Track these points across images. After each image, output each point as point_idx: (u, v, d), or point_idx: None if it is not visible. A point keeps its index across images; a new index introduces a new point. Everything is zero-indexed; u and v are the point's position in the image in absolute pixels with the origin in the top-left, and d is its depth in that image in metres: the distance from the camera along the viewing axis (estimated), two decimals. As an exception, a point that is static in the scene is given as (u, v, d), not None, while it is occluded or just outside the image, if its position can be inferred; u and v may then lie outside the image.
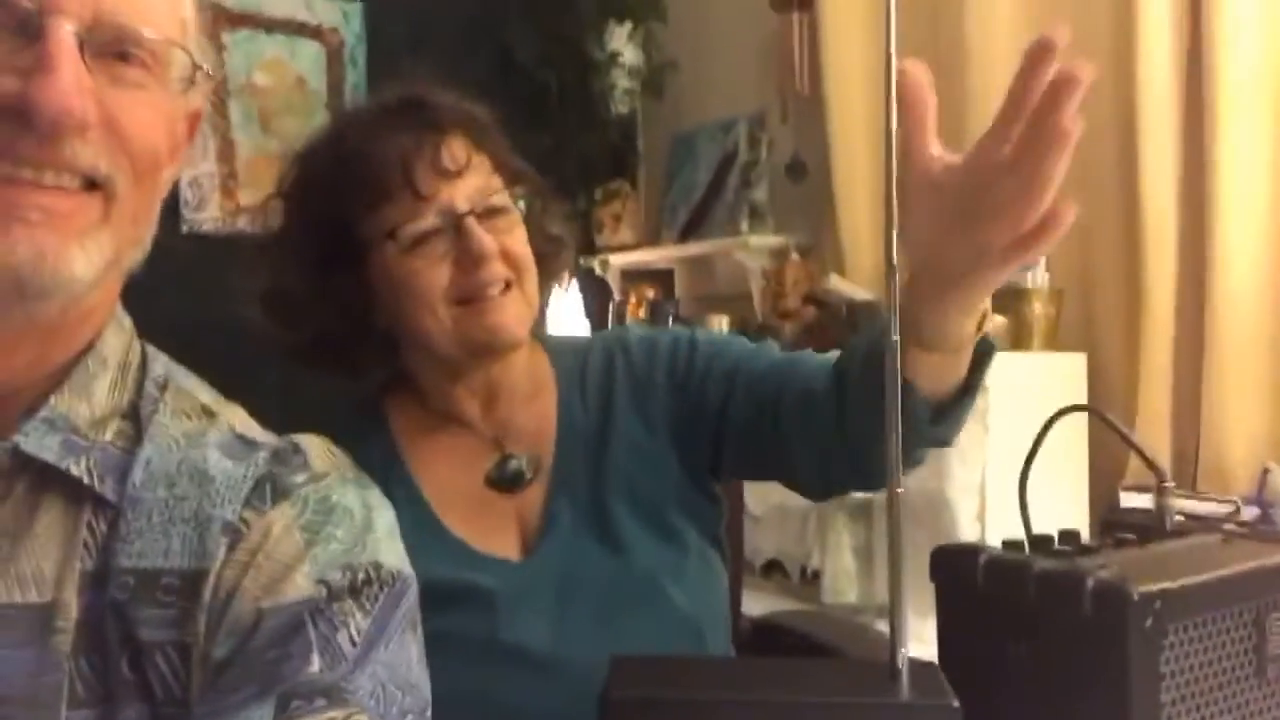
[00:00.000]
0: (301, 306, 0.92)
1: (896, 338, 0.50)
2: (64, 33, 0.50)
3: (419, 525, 0.92)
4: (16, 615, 0.52)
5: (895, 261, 0.49)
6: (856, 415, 0.82)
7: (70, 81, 0.50)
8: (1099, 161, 1.96)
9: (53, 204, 0.51)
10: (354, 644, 0.54)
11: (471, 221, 0.88)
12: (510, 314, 0.90)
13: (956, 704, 0.47)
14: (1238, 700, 0.76)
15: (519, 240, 0.93)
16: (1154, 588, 0.71)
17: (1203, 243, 1.75)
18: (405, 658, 0.57)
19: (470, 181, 0.90)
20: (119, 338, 0.60)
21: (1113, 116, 1.89)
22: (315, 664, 0.53)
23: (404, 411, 0.98)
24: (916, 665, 0.50)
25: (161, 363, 0.62)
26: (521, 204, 0.95)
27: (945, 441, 0.83)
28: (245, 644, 0.53)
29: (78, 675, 0.52)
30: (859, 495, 1.90)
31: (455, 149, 0.90)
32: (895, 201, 0.49)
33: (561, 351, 1.04)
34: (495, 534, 0.94)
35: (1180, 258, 1.81)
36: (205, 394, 0.63)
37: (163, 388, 0.60)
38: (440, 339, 0.90)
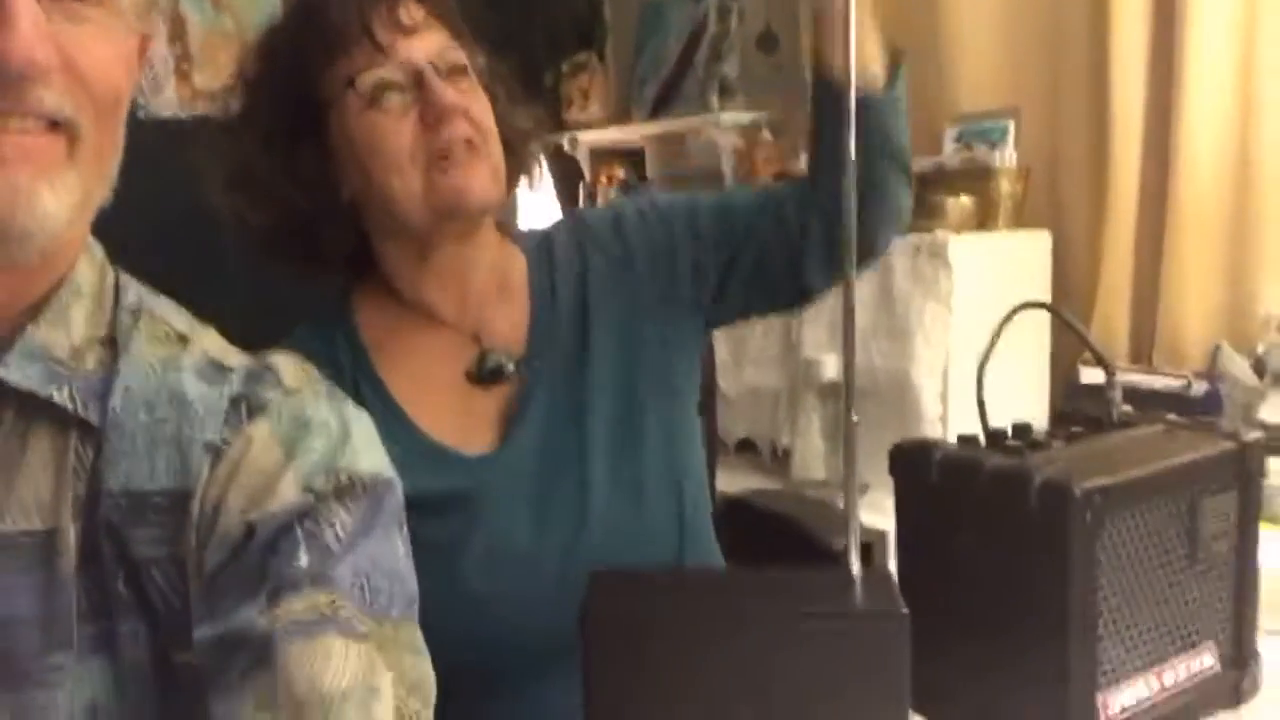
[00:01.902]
0: (266, 183, 0.92)
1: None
2: None
3: (388, 427, 0.92)
4: (24, 543, 0.55)
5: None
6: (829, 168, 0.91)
7: (30, 32, 0.49)
8: (1069, 39, 1.95)
9: (20, 143, 0.51)
10: (339, 541, 0.56)
11: (432, 75, 0.88)
12: (477, 176, 0.90)
13: (905, 611, 0.51)
14: (1171, 580, 0.82)
15: (481, 106, 0.92)
16: (1095, 484, 0.75)
17: (1169, 124, 1.75)
18: (391, 551, 0.59)
19: (429, 40, 0.90)
20: (92, 268, 0.61)
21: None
22: (303, 559, 0.55)
23: (374, 309, 0.98)
24: (871, 574, 0.54)
25: (134, 290, 0.63)
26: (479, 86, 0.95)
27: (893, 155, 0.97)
28: (237, 554, 0.55)
29: (81, 593, 0.55)
30: (829, 377, 1.95)
31: (411, 9, 0.90)
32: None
33: (529, 244, 1.04)
34: (473, 430, 0.95)
35: (1146, 138, 1.82)
36: (178, 319, 0.64)
37: (136, 314, 0.61)
38: (407, 203, 0.89)
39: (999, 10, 2.05)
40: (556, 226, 1.07)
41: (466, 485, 0.92)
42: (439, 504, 0.91)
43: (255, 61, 0.94)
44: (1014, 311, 0.96)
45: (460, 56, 0.92)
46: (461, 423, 0.95)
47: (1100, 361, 0.91)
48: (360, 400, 0.92)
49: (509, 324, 0.99)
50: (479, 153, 0.90)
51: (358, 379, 0.94)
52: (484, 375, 0.96)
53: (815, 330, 1.96)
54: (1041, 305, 0.97)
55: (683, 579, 0.56)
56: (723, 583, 0.58)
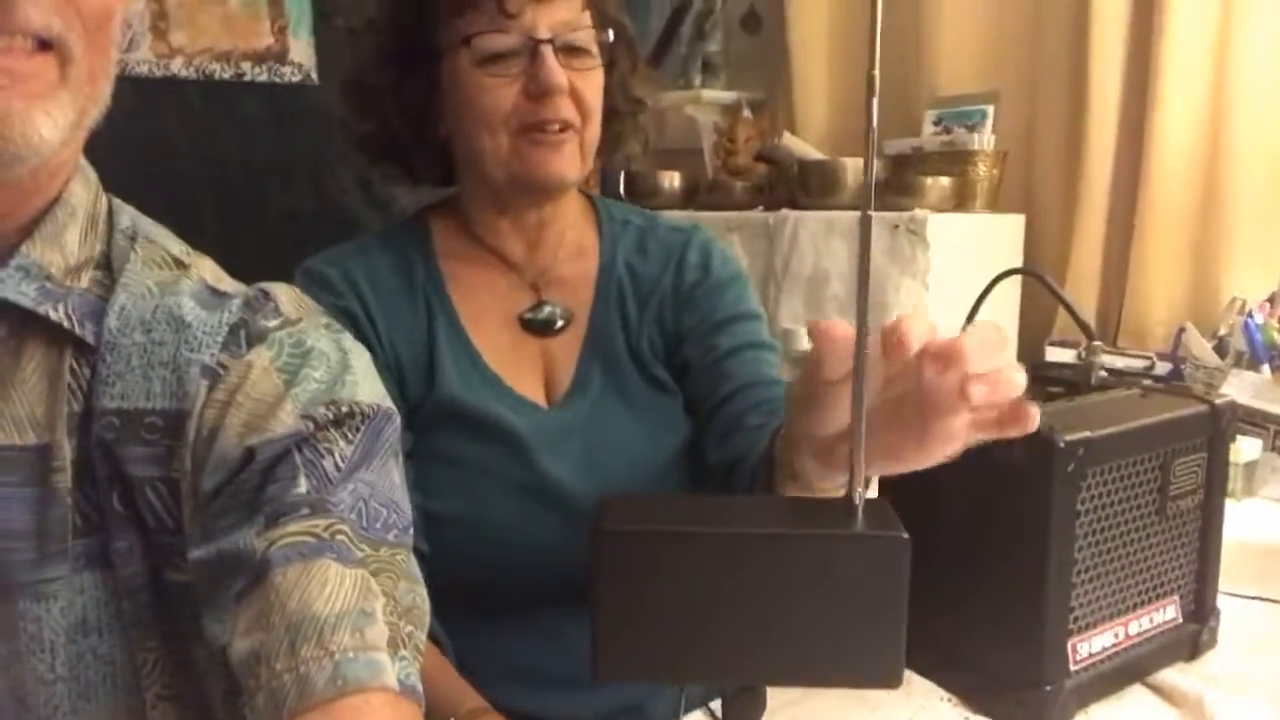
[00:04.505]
0: (373, 97, 0.95)
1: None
2: None
3: (457, 350, 0.96)
4: (17, 457, 0.55)
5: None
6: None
7: None
8: (1050, 26, 1.98)
9: (12, 67, 0.50)
10: (339, 470, 0.57)
11: (548, 50, 0.88)
12: (562, 158, 0.91)
13: (906, 536, 0.52)
14: (1141, 533, 0.86)
15: (592, 86, 0.93)
16: (1078, 436, 0.78)
17: (1144, 113, 1.79)
18: (388, 480, 0.60)
19: (558, 11, 0.90)
20: (85, 189, 0.61)
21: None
22: (303, 486, 0.55)
23: (448, 236, 1.00)
24: (870, 503, 0.55)
25: (128, 214, 0.63)
26: (606, 44, 0.94)
27: None
28: (234, 477, 0.55)
29: (75, 509, 0.55)
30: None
31: None
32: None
33: (623, 221, 1.05)
34: (523, 374, 0.98)
35: (1121, 126, 1.86)
36: (175, 245, 0.64)
37: (132, 238, 0.61)
38: (493, 163, 0.91)
39: (982, -5, 2.08)
40: (676, 227, 1.06)
41: (523, 426, 0.94)
42: (495, 430, 0.93)
43: None
44: (1000, 277, 0.99)
45: (583, 36, 0.91)
46: (513, 359, 0.98)
47: (1083, 327, 0.95)
48: (430, 317, 0.96)
49: (575, 283, 1.01)
50: (572, 135, 0.91)
51: (429, 296, 0.97)
52: (536, 324, 0.99)
53: (791, 301, 1.99)
54: (1030, 273, 1.00)
55: (689, 503, 0.58)
56: (727, 508, 0.59)
